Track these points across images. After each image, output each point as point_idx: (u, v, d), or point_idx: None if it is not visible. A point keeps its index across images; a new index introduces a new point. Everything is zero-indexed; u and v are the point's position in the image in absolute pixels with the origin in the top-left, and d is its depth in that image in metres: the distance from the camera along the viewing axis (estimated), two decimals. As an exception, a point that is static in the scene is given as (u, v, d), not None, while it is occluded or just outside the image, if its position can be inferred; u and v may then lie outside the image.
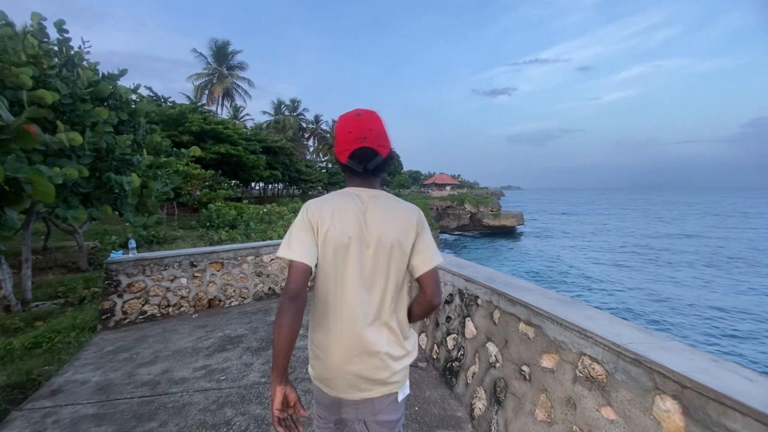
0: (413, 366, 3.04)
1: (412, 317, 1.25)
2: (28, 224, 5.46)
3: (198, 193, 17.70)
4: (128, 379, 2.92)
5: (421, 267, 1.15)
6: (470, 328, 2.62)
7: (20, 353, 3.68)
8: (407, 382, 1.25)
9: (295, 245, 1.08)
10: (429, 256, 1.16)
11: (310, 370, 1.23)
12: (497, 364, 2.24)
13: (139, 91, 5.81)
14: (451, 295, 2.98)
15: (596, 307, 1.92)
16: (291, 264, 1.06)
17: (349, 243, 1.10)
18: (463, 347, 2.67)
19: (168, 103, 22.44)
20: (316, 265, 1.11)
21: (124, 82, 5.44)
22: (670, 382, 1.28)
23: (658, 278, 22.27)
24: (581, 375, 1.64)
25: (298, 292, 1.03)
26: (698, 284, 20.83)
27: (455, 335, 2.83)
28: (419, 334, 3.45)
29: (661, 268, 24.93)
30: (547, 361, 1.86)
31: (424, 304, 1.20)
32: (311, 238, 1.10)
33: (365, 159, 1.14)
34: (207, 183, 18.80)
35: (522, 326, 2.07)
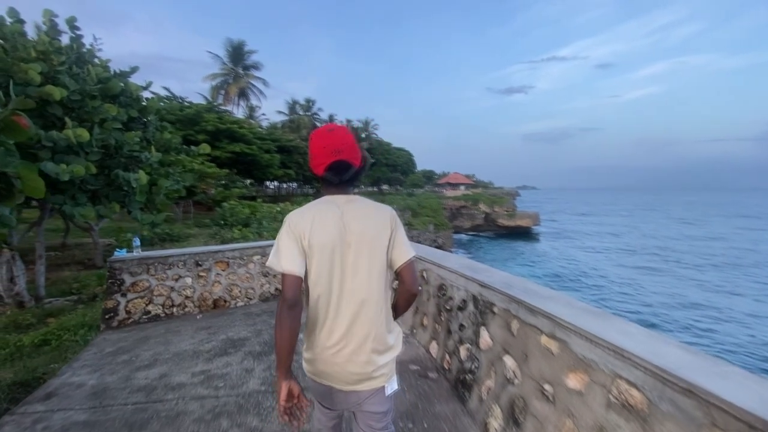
0: (423, 377, 2.83)
1: (397, 310, 1.35)
2: (41, 221, 5.51)
3: (212, 191, 17.88)
4: (124, 383, 2.82)
5: (399, 260, 1.26)
6: (485, 338, 2.39)
7: (29, 350, 3.67)
8: (395, 377, 1.33)
9: (284, 257, 1.17)
10: (405, 250, 1.27)
11: (304, 364, 1.32)
12: (515, 380, 2.01)
13: (155, 91, 5.78)
14: (464, 300, 2.75)
15: (615, 312, 1.68)
16: (283, 275, 1.16)
17: (332, 246, 1.19)
18: (478, 359, 2.45)
19: (185, 103, 22.77)
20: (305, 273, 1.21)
21: (139, 81, 5.41)
22: (734, 420, 1.05)
23: (685, 282, 21.38)
24: (616, 401, 1.41)
25: (295, 300, 1.14)
26: (727, 288, 19.88)
27: (469, 345, 2.60)
28: (429, 341, 3.23)
29: (687, 271, 23.91)
30: (574, 382, 1.63)
31: (405, 293, 1.31)
32: (297, 247, 1.18)
33: (341, 171, 1.22)
34: (222, 181, 18.98)
35: (544, 339, 1.84)
